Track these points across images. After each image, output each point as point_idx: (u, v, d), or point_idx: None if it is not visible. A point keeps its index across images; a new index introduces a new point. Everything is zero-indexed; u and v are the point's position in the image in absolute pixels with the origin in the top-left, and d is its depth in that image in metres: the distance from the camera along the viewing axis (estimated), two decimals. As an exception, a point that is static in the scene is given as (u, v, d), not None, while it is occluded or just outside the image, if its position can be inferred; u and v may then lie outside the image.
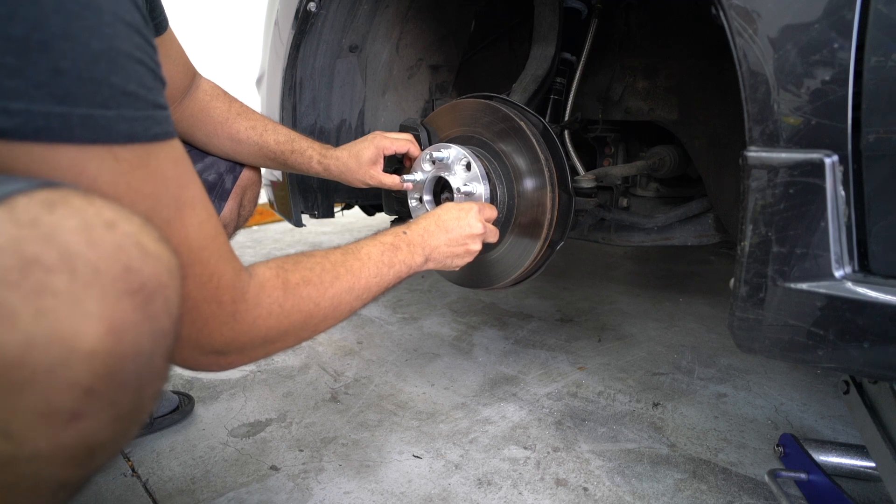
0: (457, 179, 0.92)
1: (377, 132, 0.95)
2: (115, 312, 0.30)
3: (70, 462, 0.30)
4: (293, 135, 0.92)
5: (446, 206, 0.80)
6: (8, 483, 0.29)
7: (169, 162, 0.43)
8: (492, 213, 0.87)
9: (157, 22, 0.73)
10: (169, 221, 0.43)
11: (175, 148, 0.44)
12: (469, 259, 0.81)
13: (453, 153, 0.92)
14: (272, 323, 0.52)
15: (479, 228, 0.80)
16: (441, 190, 0.98)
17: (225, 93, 0.91)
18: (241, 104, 0.92)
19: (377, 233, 0.70)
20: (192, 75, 0.85)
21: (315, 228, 3.02)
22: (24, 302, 0.27)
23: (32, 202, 0.29)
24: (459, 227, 0.77)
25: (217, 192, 0.92)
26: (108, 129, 0.37)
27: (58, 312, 0.28)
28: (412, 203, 1.01)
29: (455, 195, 0.92)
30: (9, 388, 0.27)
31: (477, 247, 0.81)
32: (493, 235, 0.87)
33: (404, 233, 0.72)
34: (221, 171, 0.92)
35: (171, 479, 0.90)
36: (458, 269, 0.82)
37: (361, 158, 0.91)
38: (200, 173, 0.88)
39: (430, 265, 0.76)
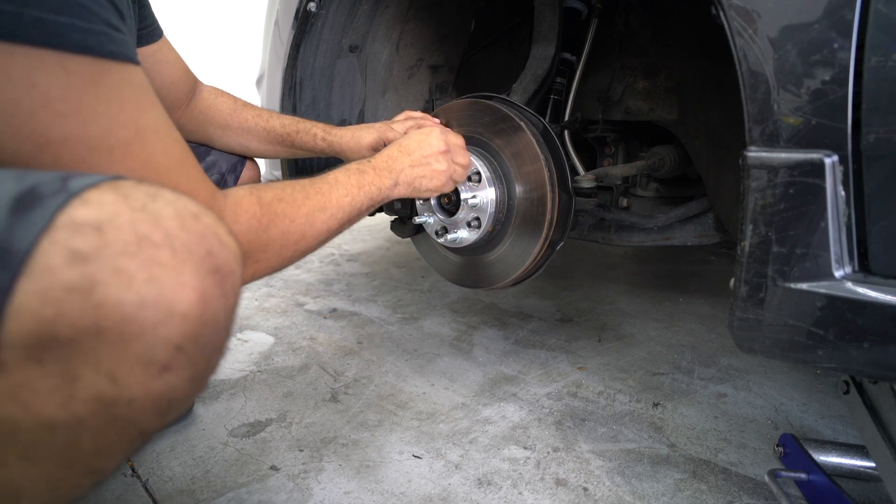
0: (465, 189, 0.94)
1: (384, 122, 0.99)
2: (202, 285, 0.35)
3: (153, 411, 0.35)
4: (296, 118, 0.98)
5: (407, 136, 0.82)
6: (103, 425, 0.34)
7: (126, 84, 0.45)
8: (457, 139, 0.88)
9: (151, 30, 0.76)
10: (128, 143, 0.45)
11: (134, 73, 0.46)
12: (438, 181, 0.82)
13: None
14: (252, 238, 0.55)
15: (440, 146, 0.82)
16: None
17: (227, 92, 0.96)
18: (244, 100, 0.97)
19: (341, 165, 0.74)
20: (193, 81, 0.90)
21: (315, 228, 3.01)
22: (139, 269, 0.33)
23: (139, 192, 0.35)
24: (420, 149, 0.80)
25: None
26: (60, 35, 0.39)
27: (163, 280, 0.33)
28: (418, 203, 1.01)
29: (462, 204, 0.94)
30: (122, 338, 0.32)
31: (442, 166, 0.82)
32: (460, 154, 0.87)
33: (369, 161, 0.75)
34: (223, 171, 0.95)
35: (171, 479, 0.90)
36: (430, 193, 0.84)
37: (362, 141, 0.95)
38: None
39: (401, 188, 0.78)
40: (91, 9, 0.41)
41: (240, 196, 0.55)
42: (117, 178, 0.36)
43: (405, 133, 0.85)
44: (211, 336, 0.37)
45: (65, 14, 0.39)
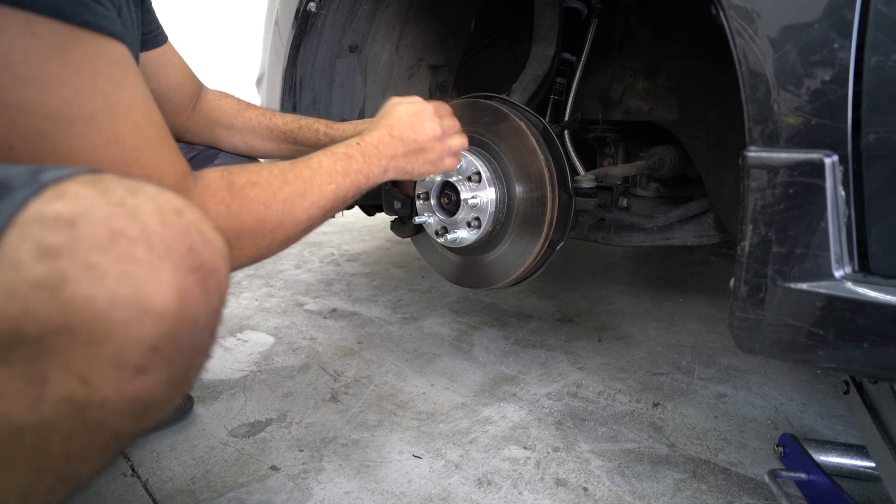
0: (465, 189, 0.94)
1: None
2: (181, 283, 0.34)
3: (128, 414, 0.34)
4: (298, 115, 0.97)
5: (398, 113, 0.77)
6: (74, 428, 0.32)
7: (99, 56, 0.43)
8: (446, 109, 0.83)
9: (155, 34, 0.77)
10: (93, 115, 0.43)
11: (112, 48, 0.44)
12: (430, 167, 0.79)
13: (465, 163, 0.93)
14: (221, 224, 0.52)
15: (436, 131, 0.77)
16: (444, 186, 0.98)
17: (230, 94, 0.97)
18: (248, 101, 0.97)
19: (329, 146, 0.69)
20: (198, 84, 0.90)
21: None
22: (112, 265, 0.31)
23: (119, 187, 0.34)
24: (415, 135, 0.76)
25: None
26: None
27: (138, 276, 0.32)
28: (418, 202, 1.02)
29: (462, 204, 0.94)
30: (92, 337, 0.31)
31: (435, 152, 0.79)
32: (455, 135, 0.82)
33: (358, 143, 0.70)
34: None
35: (171, 479, 0.90)
36: (423, 177, 0.81)
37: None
38: None
39: (391, 174, 0.75)
40: None
41: (210, 179, 0.53)
42: (97, 171, 0.35)
43: (396, 102, 0.80)
44: (190, 336, 0.35)
45: None
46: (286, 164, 0.61)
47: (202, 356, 0.38)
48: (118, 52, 0.45)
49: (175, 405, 0.38)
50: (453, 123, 0.83)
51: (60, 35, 0.40)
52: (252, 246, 0.56)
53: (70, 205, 0.31)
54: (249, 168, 0.57)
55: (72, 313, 0.30)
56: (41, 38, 0.39)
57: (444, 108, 0.84)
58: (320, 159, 0.64)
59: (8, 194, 0.31)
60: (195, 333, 0.36)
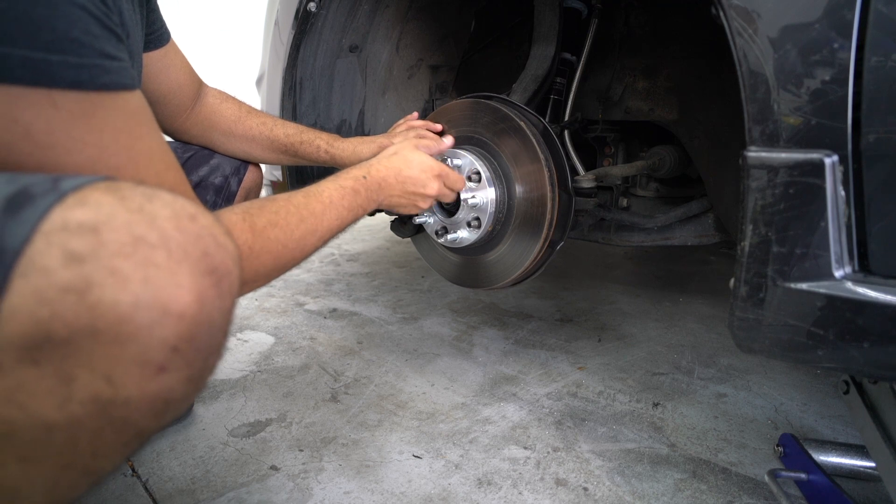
0: (465, 189, 0.94)
1: (384, 135, 1.00)
2: (198, 286, 0.35)
3: (150, 411, 0.35)
4: (300, 127, 0.98)
5: (411, 159, 0.81)
6: (100, 426, 0.34)
7: (120, 113, 0.45)
8: (457, 183, 0.89)
9: (159, 34, 0.76)
10: (118, 168, 0.46)
11: (129, 101, 0.46)
12: (411, 210, 0.85)
13: (466, 163, 0.93)
14: (244, 265, 0.54)
15: (433, 190, 0.83)
16: None
17: (232, 96, 0.96)
18: (249, 105, 0.97)
19: (337, 174, 0.73)
20: (199, 84, 0.90)
21: (315, 228, 3.01)
22: (135, 270, 0.33)
23: (136, 193, 0.35)
24: (415, 186, 0.81)
25: (224, 194, 0.94)
26: (49, 73, 0.39)
27: (158, 280, 0.33)
28: None
29: (462, 204, 0.94)
30: (118, 339, 0.32)
31: (425, 205, 0.84)
32: (446, 198, 0.90)
33: (364, 177, 0.75)
34: (227, 174, 0.95)
35: (171, 479, 0.90)
36: (398, 213, 0.86)
37: (362, 157, 0.95)
38: (206, 177, 0.93)
39: (378, 206, 0.80)
40: (84, 42, 0.41)
41: (232, 222, 0.54)
42: (113, 178, 0.36)
43: (412, 149, 0.84)
44: (207, 337, 0.36)
45: (55, 51, 0.39)
46: (300, 198, 0.64)
47: (217, 356, 0.39)
48: (135, 102, 0.47)
49: (191, 403, 0.39)
50: (449, 192, 0.89)
51: (81, 103, 0.41)
52: (265, 279, 0.59)
53: (92, 212, 0.33)
54: (269, 207, 0.59)
55: (98, 316, 0.31)
56: (63, 109, 0.41)
57: (456, 182, 0.88)
58: (331, 194, 0.68)
59: (31, 202, 0.32)
60: (211, 334, 0.37)
